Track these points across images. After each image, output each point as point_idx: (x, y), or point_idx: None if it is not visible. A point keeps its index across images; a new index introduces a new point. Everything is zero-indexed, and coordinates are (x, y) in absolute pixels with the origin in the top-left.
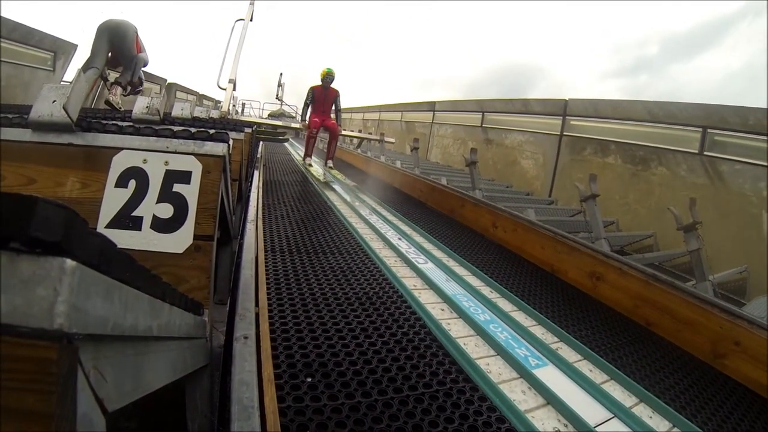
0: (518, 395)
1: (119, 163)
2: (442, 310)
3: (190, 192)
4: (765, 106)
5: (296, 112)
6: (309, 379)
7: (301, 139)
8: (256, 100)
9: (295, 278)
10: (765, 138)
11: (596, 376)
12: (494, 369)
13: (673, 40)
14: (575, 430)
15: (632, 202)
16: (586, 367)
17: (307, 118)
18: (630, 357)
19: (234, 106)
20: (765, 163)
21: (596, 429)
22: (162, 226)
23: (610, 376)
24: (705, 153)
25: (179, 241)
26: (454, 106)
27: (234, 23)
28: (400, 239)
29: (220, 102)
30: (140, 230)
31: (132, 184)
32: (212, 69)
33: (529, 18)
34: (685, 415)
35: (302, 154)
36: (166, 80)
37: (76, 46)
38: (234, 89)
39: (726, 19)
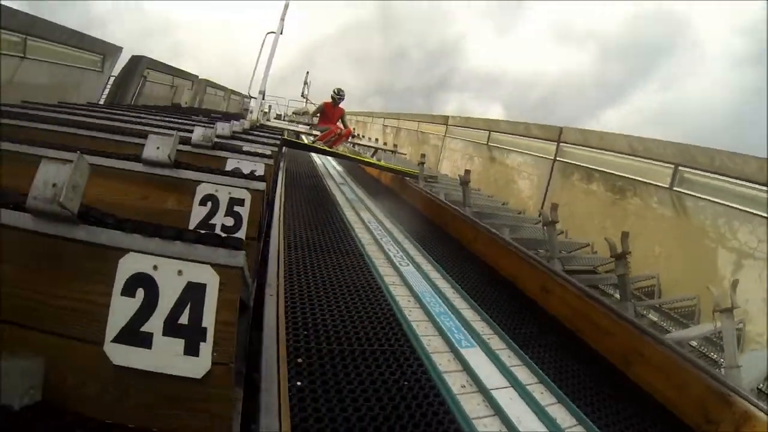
0: (443, 362)
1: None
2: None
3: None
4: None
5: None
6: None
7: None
8: (281, 97)
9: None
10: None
11: (510, 360)
12: (433, 344)
13: None
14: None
15: (609, 227)
16: (505, 353)
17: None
18: (549, 353)
19: (264, 111)
20: (724, 202)
21: (491, 390)
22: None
23: (522, 362)
24: (674, 188)
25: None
26: (465, 123)
27: (265, 36)
28: (390, 244)
29: (248, 97)
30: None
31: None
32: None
33: None
34: (569, 395)
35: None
36: (197, 76)
37: (121, 48)
38: (263, 98)
39: None
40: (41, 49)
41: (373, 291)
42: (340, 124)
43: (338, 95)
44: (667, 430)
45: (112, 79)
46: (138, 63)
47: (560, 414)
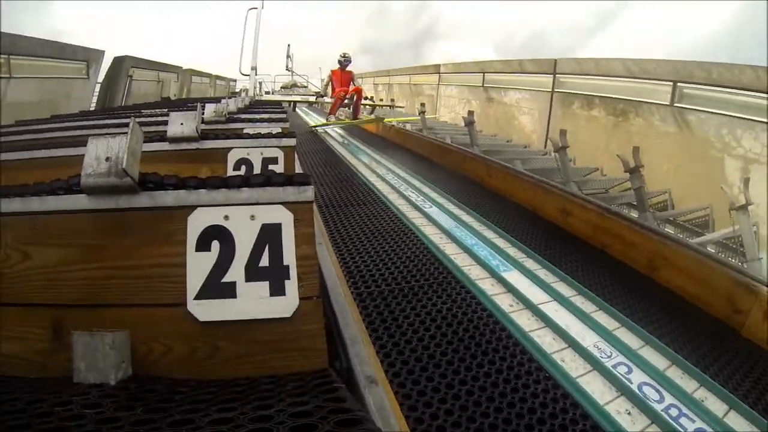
0: (488, 287)
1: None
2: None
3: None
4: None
5: (307, 81)
6: None
7: (314, 109)
8: (267, 74)
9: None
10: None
11: (547, 277)
12: (473, 272)
13: None
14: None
15: (614, 149)
16: (541, 272)
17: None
18: (581, 268)
19: (255, 88)
20: (726, 112)
21: (538, 305)
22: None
23: (558, 278)
24: (675, 104)
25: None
26: (458, 68)
27: (247, 12)
28: (409, 191)
29: (233, 80)
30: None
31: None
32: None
33: None
34: (608, 302)
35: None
36: (181, 67)
37: (103, 51)
38: (256, 74)
39: None
40: (25, 66)
41: (405, 233)
42: (352, 86)
43: (344, 58)
44: (697, 323)
45: (98, 86)
46: (122, 64)
47: (603, 319)
